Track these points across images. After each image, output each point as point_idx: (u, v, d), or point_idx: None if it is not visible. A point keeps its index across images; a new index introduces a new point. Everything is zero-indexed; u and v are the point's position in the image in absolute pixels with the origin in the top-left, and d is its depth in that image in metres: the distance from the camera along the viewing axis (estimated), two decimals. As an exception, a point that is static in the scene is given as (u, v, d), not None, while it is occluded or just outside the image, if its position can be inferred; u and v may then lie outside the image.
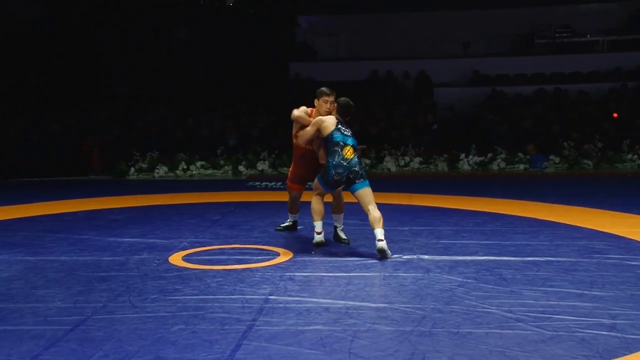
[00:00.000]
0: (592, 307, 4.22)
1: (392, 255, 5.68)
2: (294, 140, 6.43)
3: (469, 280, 4.90)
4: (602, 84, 16.41)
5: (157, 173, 13.08)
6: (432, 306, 4.31)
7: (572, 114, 14.56)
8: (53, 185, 11.83)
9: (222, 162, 13.21)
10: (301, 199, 6.80)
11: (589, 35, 17.92)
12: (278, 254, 5.87)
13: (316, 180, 6.10)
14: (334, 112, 6.07)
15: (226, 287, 4.84)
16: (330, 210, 6.34)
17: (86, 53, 17.17)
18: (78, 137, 14.07)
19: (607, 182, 11.08)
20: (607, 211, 7.91)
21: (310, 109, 6.30)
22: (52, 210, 8.65)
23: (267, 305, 4.36)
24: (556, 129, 13.65)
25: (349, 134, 5.96)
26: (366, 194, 5.83)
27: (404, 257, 5.69)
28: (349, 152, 5.86)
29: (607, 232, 6.63)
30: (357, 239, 6.44)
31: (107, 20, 17.44)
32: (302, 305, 4.37)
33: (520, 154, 12.96)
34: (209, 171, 13.16)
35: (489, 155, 13.08)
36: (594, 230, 6.77)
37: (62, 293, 4.73)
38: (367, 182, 5.87)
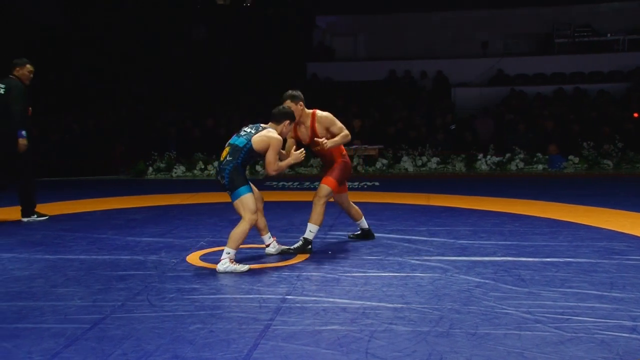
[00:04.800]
0: (612, 309, 4.17)
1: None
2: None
3: (487, 281, 4.87)
4: (623, 84, 16.26)
5: (175, 173, 13.15)
6: (449, 307, 4.28)
7: (592, 114, 14.43)
8: (72, 185, 11.94)
9: (239, 162, 13.22)
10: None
11: (609, 34, 17.76)
12: (295, 254, 5.88)
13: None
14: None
15: (243, 286, 4.85)
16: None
17: (104, 54, 17.30)
18: (99, 137, 14.20)
19: (628, 183, 10.96)
20: (627, 212, 7.83)
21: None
22: (71, 209, 8.74)
23: (284, 305, 4.37)
24: (576, 129, 13.54)
25: (244, 134, 5.45)
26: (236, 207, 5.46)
27: (422, 257, 5.68)
28: (224, 153, 5.49)
29: (627, 233, 6.55)
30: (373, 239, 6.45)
31: (125, 21, 17.56)
32: (319, 305, 4.37)
33: (539, 154, 12.87)
34: (227, 171, 13.18)
35: (507, 155, 13.00)
36: (614, 231, 6.70)
37: (81, 291, 4.77)
38: (235, 194, 5.38)
